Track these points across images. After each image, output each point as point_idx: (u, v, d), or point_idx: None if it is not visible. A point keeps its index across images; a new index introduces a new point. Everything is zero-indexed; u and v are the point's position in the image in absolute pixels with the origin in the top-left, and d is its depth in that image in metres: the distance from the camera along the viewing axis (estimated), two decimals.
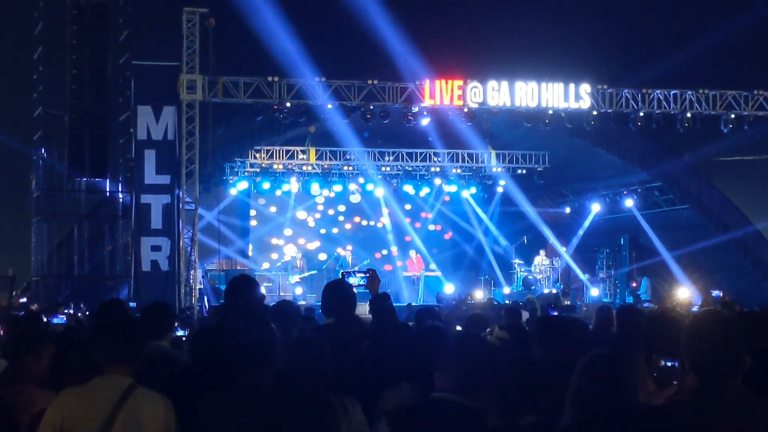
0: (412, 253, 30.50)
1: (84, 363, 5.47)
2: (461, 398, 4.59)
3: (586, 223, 34.14)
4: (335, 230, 34.63)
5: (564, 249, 33.02)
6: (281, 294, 27.55)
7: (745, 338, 3.90)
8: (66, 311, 16.01)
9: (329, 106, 24.98)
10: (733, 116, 26.39)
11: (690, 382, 3.87)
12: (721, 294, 17.77)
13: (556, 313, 17.85)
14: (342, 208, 34.59)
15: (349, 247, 33.14)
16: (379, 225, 34.85)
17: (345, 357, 5.94)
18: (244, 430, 4.73)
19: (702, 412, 3.78)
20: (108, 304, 7.84)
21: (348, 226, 34.93)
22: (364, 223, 35.11)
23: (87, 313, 15.86)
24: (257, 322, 5.22)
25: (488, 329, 8.46)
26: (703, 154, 29.74)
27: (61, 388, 5.29)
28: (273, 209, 33.88)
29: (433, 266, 32.15)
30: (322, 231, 34.59)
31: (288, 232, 33.86)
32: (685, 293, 24.95)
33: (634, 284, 31.30)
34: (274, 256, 33.08)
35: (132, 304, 19.98)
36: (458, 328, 10.54)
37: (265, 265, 31.54)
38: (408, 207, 34.78)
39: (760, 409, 3.86)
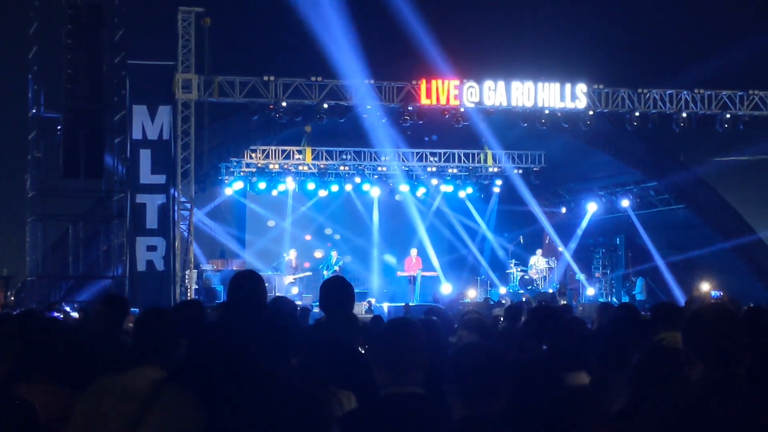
0: (414, 251, 30.34)
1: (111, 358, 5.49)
2: (407, 388, 4.52)
3: (584, 223, 34.13)
4: (328, 231, 34.57)
5: (562, 248, 33.02)
6: (277, 294, 27.48)
7: (746, 330, 3.98)
8: (61, 309, 15.98)
9: (325, 105, 24.96)
10: (728, 116, 26.42)
11: (696, 372, 3.93)
12: (721, 294, 17.89)
13: None
14: (338, 207, 34.49)
15: (329, 244, 33.15)
16: (373, 225, 34.79)
17: (340, 353, 5.94)
18: (261, 425, 4.72)
19: (711, 399, 3.83)
20: (111, 300, 7.88)
21: (343, 226, 34.84)
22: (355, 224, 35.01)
23: (81, 312, 15.78)
24: (275, 315, 5.21)
25: (454, 337, 8.43)
26: (698, 154, 29.75)
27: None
28: (269, 209, 33.79)
29: (435, 265, 32.19)
30: (318, 231, 34.52)
31: (283, 232, 33.76)
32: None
33: (630, 284, 31.35)
34: (269, 256, 32.98)
35: (134, 310, 19.90)
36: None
37: (258, 266, 31.41)
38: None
39: (763, 400, 3.92)
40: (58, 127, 24.24)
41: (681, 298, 28.24)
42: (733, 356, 3.91)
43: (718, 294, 18.96)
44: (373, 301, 27.58)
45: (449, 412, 4.60)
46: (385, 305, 26.62)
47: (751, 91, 26.60)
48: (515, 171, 32.35)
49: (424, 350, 4.67)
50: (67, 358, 5.81)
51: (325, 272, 28.77)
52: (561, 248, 33.00)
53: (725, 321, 3.96)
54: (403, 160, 32.38)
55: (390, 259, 33.98)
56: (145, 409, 4.82)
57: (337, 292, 6.66)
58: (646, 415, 4.03)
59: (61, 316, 13.92)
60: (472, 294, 28.61)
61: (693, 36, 28.14)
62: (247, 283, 6.40)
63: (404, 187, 33.49)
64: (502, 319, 12.18)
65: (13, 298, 24.70)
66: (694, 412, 3.84)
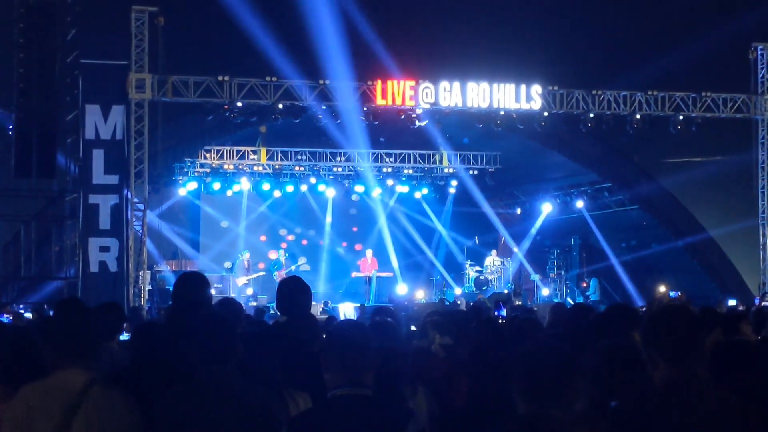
0: (369, 252, 30.33)
1: (36, 360, 5.40)
2: (355, 390, 4.53)
3: (538, 224, 34.32)
4: (282, 232, 34.47)
5: (516, 249, 33.18)
6: (232, 295, 27.31)
7: (704, 331, 4.06)
8: (13, 311, 15.79)
9: (280, 105, 24.86)
10: (681, 117, 26.64)
11: (661, 373, 3.97)
12: (679, 294, 18.10)
13: (504, 312, 17.96)
14: (293, 208, 34.40)
15: (284, 245, 33.00)
16: (326, 227, 34.73)
17: (298, 354, 5.91)
18: (200, 426, 4.68)
19: (679, 398, 3.87)
20: (67, 303, 7.73)
21: (298, 228, 34.77)
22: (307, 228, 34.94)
23: (34, 313, 15.64)
24: (213, 317, 5.18)
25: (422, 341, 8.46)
26: (652, 156, 29.99)
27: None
28: (223, 210, 33.62)
29: (394, 265, 32.19)
30: (272, 232, 34.41)
31: (237, 233, 33.59)
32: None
33: (584, 284, 31.55)
34: (223, 257, 32.80)
35: None
36: (413, 328, 10.54)
37: (212, 267, 31.23)
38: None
39: (727, 397, 3.99)
40: (10, 126, 23.93)
41: (635, 298, 28.54)
42: (694, 355, 3.97)
43: (675, 294, 19.20)
44: (329, 302, 27.52)
45: (397, 413, 4.59)
46: (341, 306, 26.56)
47: (703, 93, 26.83)
48: (470, 172, 32.42)
49: (373, 352, 4.66)
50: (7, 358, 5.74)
51: (276, 273, 28.70)
52: (515, 249, 33.15)
53: (685, 321, 4.01)
54: (358, 161, 32.34)
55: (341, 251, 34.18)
56: (73, 412, 4.77)
57: (294, 292, 6.62)
58: (611, 414, 4.05)
59: (11, 318, 13.74)
60: (420, 295, 28.67)
61: (646, 37, 28.34)
62: (191, 285, 6.38)
63: (360, 188, 33.49)
64: None
65: None
66: (659, 411, 3.88)
